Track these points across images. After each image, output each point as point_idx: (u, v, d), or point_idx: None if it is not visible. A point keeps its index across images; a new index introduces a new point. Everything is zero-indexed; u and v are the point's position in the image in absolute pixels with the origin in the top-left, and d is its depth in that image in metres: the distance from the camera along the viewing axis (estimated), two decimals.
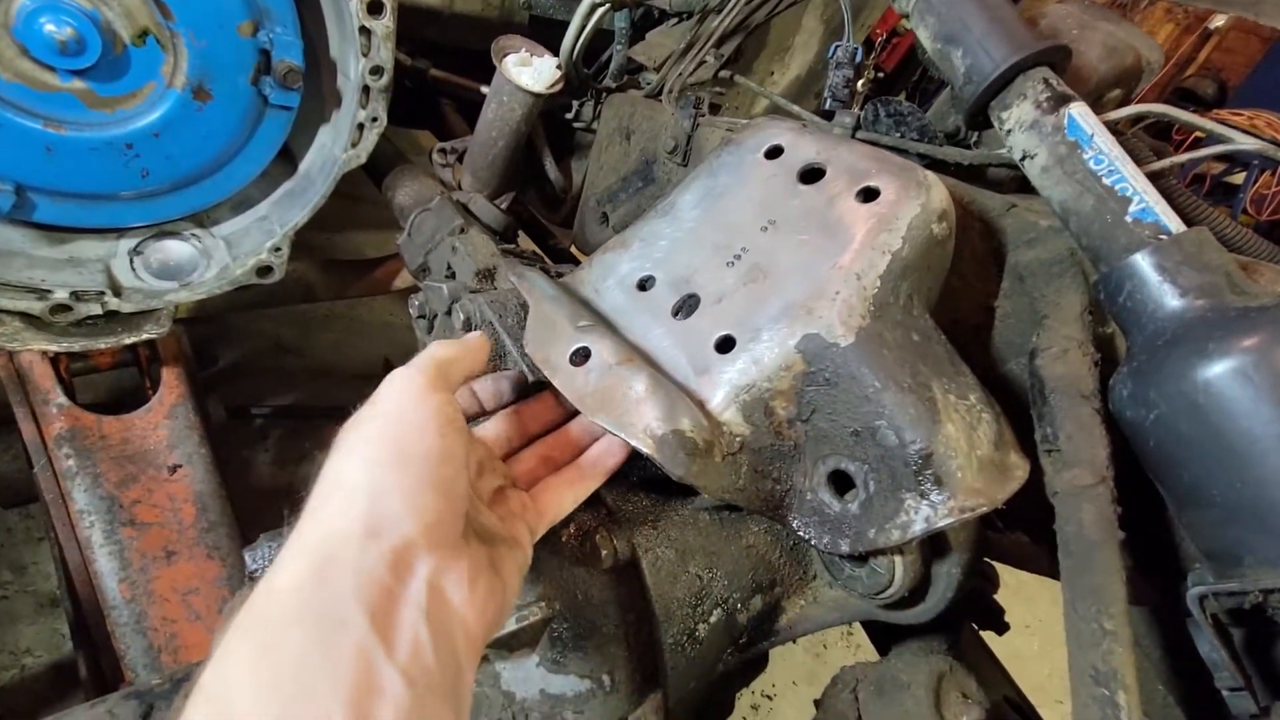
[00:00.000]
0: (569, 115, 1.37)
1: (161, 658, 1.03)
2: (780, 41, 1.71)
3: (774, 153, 0.66)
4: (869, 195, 0.58)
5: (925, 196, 0.56)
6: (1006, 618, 0.82)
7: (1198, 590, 0.46)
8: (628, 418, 0.51)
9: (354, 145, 1.09)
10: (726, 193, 0.66)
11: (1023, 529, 0.69)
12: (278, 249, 1.13)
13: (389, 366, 1.87)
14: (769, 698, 1.79)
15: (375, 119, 1.07)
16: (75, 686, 1.16)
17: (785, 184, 0.63)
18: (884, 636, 0.80)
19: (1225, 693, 0.46)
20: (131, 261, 1.08)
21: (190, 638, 1.05)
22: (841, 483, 0.55)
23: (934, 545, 0.54)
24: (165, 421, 1.10)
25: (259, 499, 1.89)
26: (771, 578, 0.62)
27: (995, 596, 0.77)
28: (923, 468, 0.49)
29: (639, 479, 0.60)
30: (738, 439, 0.55)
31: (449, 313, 0.77)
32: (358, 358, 2.38)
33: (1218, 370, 0.46)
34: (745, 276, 0.60)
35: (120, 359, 1.15)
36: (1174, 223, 0.52)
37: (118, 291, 1.04)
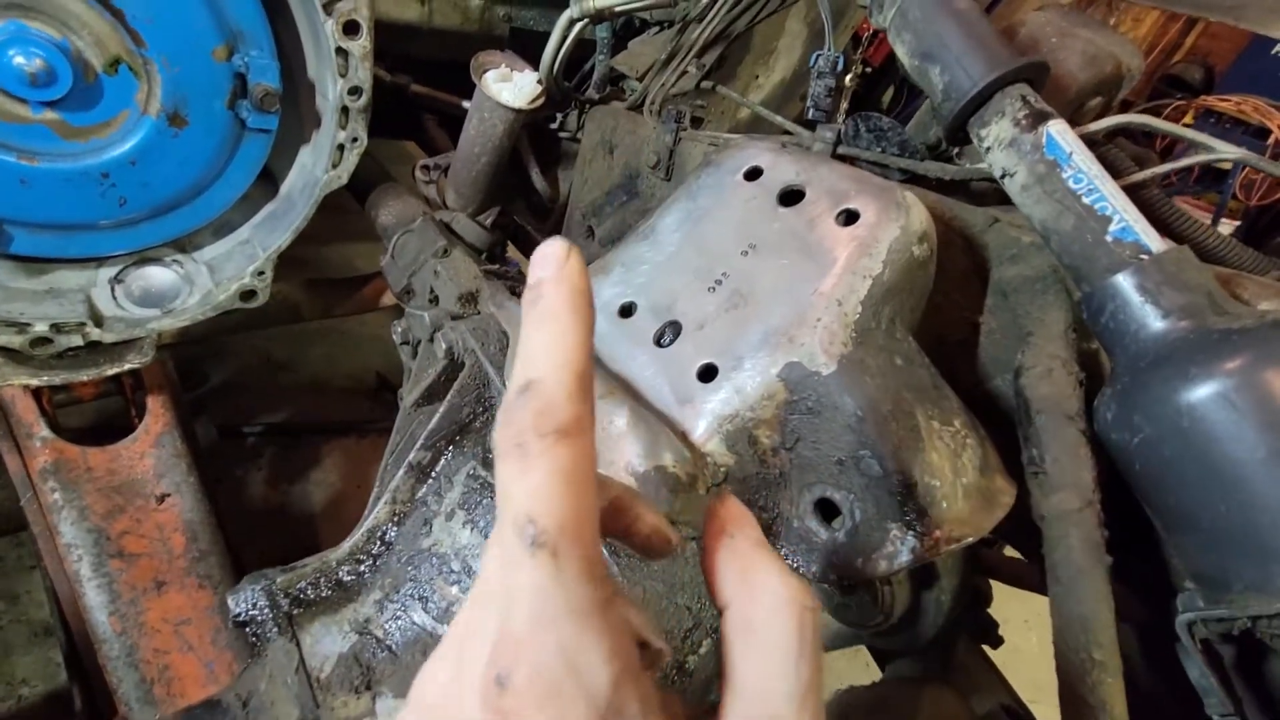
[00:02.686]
0: (554, 125, 1.36)
1: (154, 690, 1.02)
2: (764, 45, 1.70)
3: (753, 174, 0.65)
4: (849, 218, 0.57)
5: (905, 218, 0.56)
6: (1004, 613, 0.81)
7: (1186, 617, 0.46)
8: (609, 455, 0.51)
9: (335, 166, 1.08)
10: (707, 216, 0.65)
11: (1014, 544, 0.69)
12: (261, 272, 1.12)
13: (381, 380, 1.85)
14: None
15: (355, 139, 1.06)
16: (72, 717, 1.15)
17: (765, 206, 0.62)
18: (883, 649, 0.80)
19: (1216, 718, 0.45)
20: (113, 290, 1.07)
21: (183, 669, 1.04)
22: (828, 510, 0.55)
23: (923, 573, 0.53)
24: (152, 450, 1.09)
25: (254, 518, 1.88)
26: None
27: (992, 590, 0.77)
28: (907, 497, 0.48)
29: None
30: (722, 469, 0.55)
31: (431, 340, 0.77)
32: (349, 371, 2.37)
33: (1200, 394, 0.45)
34: (727, 302, 0.59)
35: (104, 389, 1.14)
36: (1154, 242, 0.52)
37: (99, 321, 1.02)
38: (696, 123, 1.04)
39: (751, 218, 0.62)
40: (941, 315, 0.66)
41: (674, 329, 0.60)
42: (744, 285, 0.59)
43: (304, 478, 2.03)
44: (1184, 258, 0.50)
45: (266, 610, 0.57)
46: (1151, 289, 0.50)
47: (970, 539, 0.48)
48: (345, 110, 1.05)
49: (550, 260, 0.28)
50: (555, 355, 0.26)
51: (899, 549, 0.49)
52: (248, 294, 1.12)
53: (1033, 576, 0.67)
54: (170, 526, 1.08)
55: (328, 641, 0.57)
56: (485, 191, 1.24)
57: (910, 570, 0.53)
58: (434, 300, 0.90)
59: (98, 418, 1.18)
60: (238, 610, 0.58)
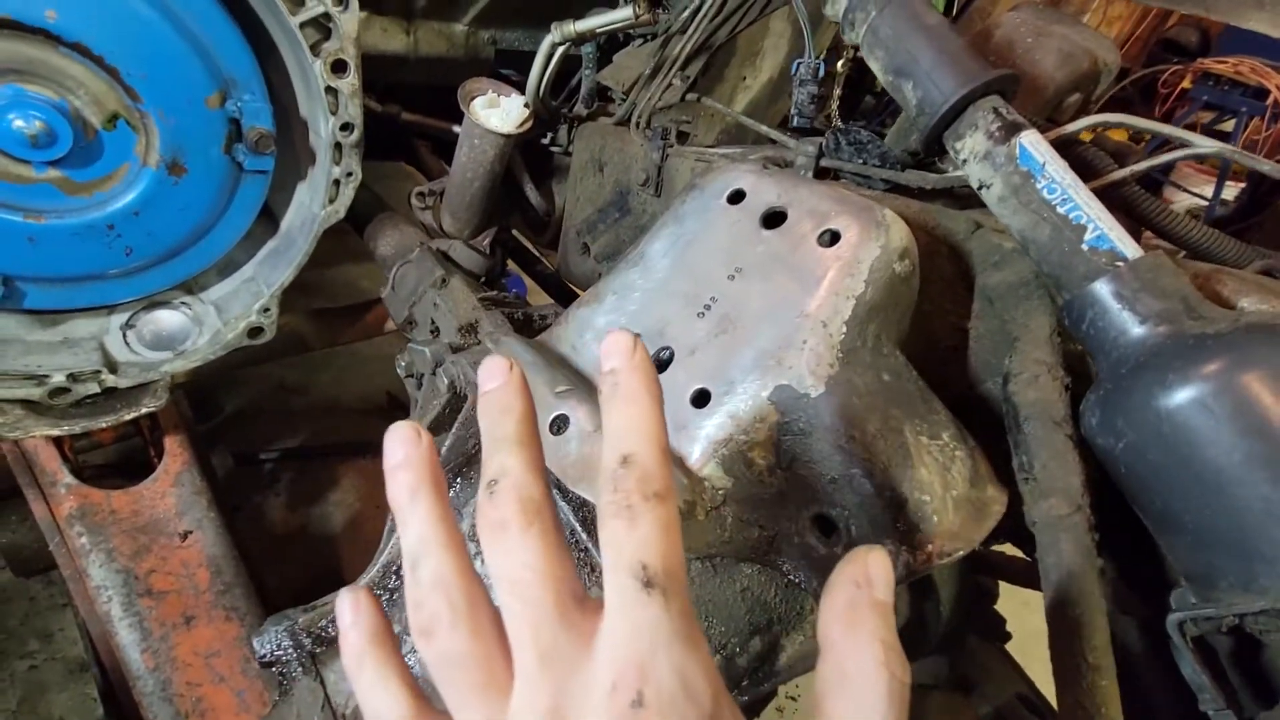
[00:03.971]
0: (545, 141, 1.37)
1: None
2: (749, 48, 1.70)
3: (736, 197, 0.67)
4: (832, 238, 0.59)
5: (885, 237, 0.57)
6: (1024, 595, 0.82)
7: (1176, 616, 0.47)
8: None
9: (332, 201, 1.10)
10: (694, 241, 0.67)
11: (1015, 543, 0.70)
12: (266, 309, 1.14)
13: (391, 399, 1.88)
14: (793, 699, 1.81)
15: (350, 174, 1.08)
16: None
17: (749, 229, 0.64)
18: None
19: (1211, 714, 0.47)
20: (125, 336, 1.09)
21: (215, 700, 1.07)
22: (827, 526, 0.56)
23: (919, 584, 0.55)
24: (172, 489, 1.12)
25: (274, 543, 1.91)
26: (768, 617, 0.63)
27: (998, 587, 0.78)
28: (898, 514, 0.50)
29: None
30: (720, 492, 0.56)
31: (434, 374, 0.79)
32: (360, 393, 2.40)
33: (1179, 400, 0.46)
34: (716, 327, 0.61)
35: (123, 432, 1.17)
36: (1129, 248, 0.53)
37: (113, 368, 1.05)
38: (683, 138, 1.05)
39: (736, 241, 0.64)
40: (931, 322, 0.68)
41: (666, 355, 0.62)
42: (732, 309, 0.61)
43: (322, 500, 2.06)
44: (1159, 264, 0.51)
45: (290, 650, 0.59)
46: (1128, 295, 0.51)
47: (962, 552, 0.49)
48: (338, 146, 1.07)
49: (621, 351, 0.34)
50: (643, 432, 0.32)
51: (894, 565, 0.50)
52: (255, 330, 1.15)
53: (1035, 575, 0.69)
54: (195, 562, 1.12)
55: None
56: (481, 214, 1.26)
57: (909, 584, 0.54)
58: (435, 331, 0.92)
59: (119, 457, 1.21)
60: (263, 652, 0.60)
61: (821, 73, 0.98)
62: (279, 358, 1.44)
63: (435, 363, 0.76)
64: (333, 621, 0.63)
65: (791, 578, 0.58)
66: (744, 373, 0.57)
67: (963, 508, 0.51)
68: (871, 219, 0.58)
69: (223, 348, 1.13)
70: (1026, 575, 0.76)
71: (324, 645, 0.61)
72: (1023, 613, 0.93)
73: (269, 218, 1.18)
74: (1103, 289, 0.52)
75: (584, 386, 0.62)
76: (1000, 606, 0.91)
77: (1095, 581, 0.48)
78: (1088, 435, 0.53)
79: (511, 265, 1.54)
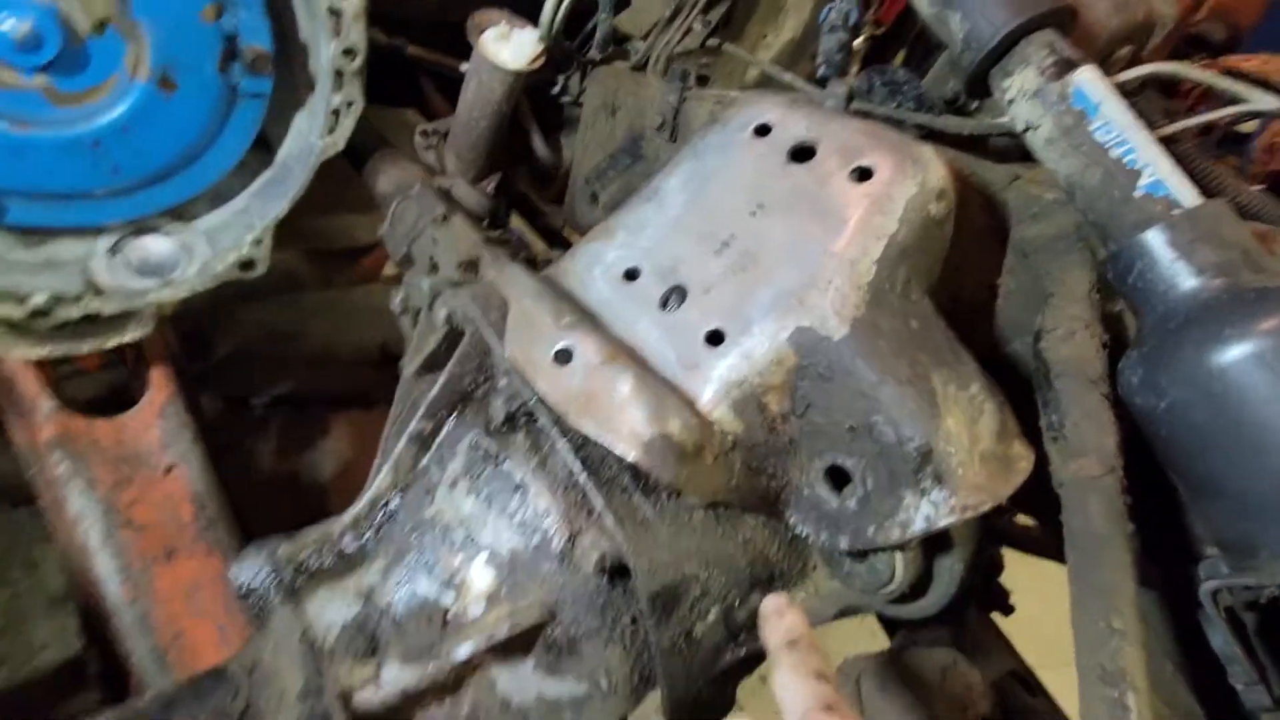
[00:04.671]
0: (555, 90, 1.31)
1: (169, 655, 1.04)
2: (772, 2, 1.63)
3: (762, 130, 0.62)
4: (863, 175, 0.55)
5: (922, 174, 0.53)
6: (1014, 577, 0.80)
7: (1211, 584, 0.44)
8: (613, 422, 0.49)
9: (331, 131, 1.05)
10: (714, 175, 0.63)
11: (1029, 512, 0.67)
12: (259, 241, 1.10)
13: (385, 352, 1.83)
14: None
15: (351, 103, 1.03)
16: (88, 683, 1.17)
17: (774, 164, 0.60)
18: (891, 624, 0.79)
19: (1240, 687, 0.44)
20: (110, 261, 1.05)
21: (195, 634, 1.05)
22: (839, 478, 0.53)
23: (935, 540, 0.52)
24: (156, 422, 1.09)
25: (262, 487, 1.89)
26: (770, 572, 0.60)
27: (999, 577, 0.76)
28: (922, 465, 0.47)
29: (630, 479, 0.58)
30: (730, 436, 0.53)
31: (431, 308, 0.75)
32: (354, 343, 2.36)
33: (1234, 355, 0.43)
34: (735, 265, 0.57)
35: (107, 359, 1.13)
36: (1188, 196, 0.49)
37: (98, 292, 1.01)
38: (702, 81, 1.00)
39: (760, 176, 0.60)
40: (958, 276, 0.64)
41: (680, 293, 0.59)
42: (752, 247, 0.57)
43: (312, 448, 2.03)
44: (1220, 212, 0.48)
45: (269, 580, 0.57)
46: (1184, 246, 0.47)
47: (987, 506, 0.46)
48: (339, 73, 1.01)
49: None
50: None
51: (912, 517, 0.47)
52: (246, 264, 1.10)
53: (1047, 543, 0.66)
54: (178, 496, 1.09)
55: (332, 610, 0.57)
56: (486, 157, 1.21)
57: (923, 538, 0.51)
58: (434, 268, 0.88)
59: (105, 389, 1.17)
60: (240, 581, 0.58)
61: (854, 18, 0.93)
62: (271, 296, 1.40)
63: (433, 295, 0.72)
64: (314, 553, 0.60)
65: (797, 531, 0.55)
66: (762, 313, 0.53)
67: (989, 462, 0.48)
68: (908, 155, 0.54)
69: (212, 279, 1.09)
70: (1035, 543, 0.73)
71: (305, 576, 0.58)
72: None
73: (264, 147, 1.13)
74: (1155, 238, 0.48)
75: (590, 320, 0.58)
76: None
77: (1125, 546, 0.45)
78: (1125, 395, 0.50)
79: (515, 220, 1.49)
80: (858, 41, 1.03)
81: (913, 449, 0.47)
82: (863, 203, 0.53)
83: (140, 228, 1.07)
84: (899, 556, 0.52)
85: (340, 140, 1.06)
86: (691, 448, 0.49)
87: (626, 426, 0.49)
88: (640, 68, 1.07)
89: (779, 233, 0.56)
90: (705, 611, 0.57)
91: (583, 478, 0.56)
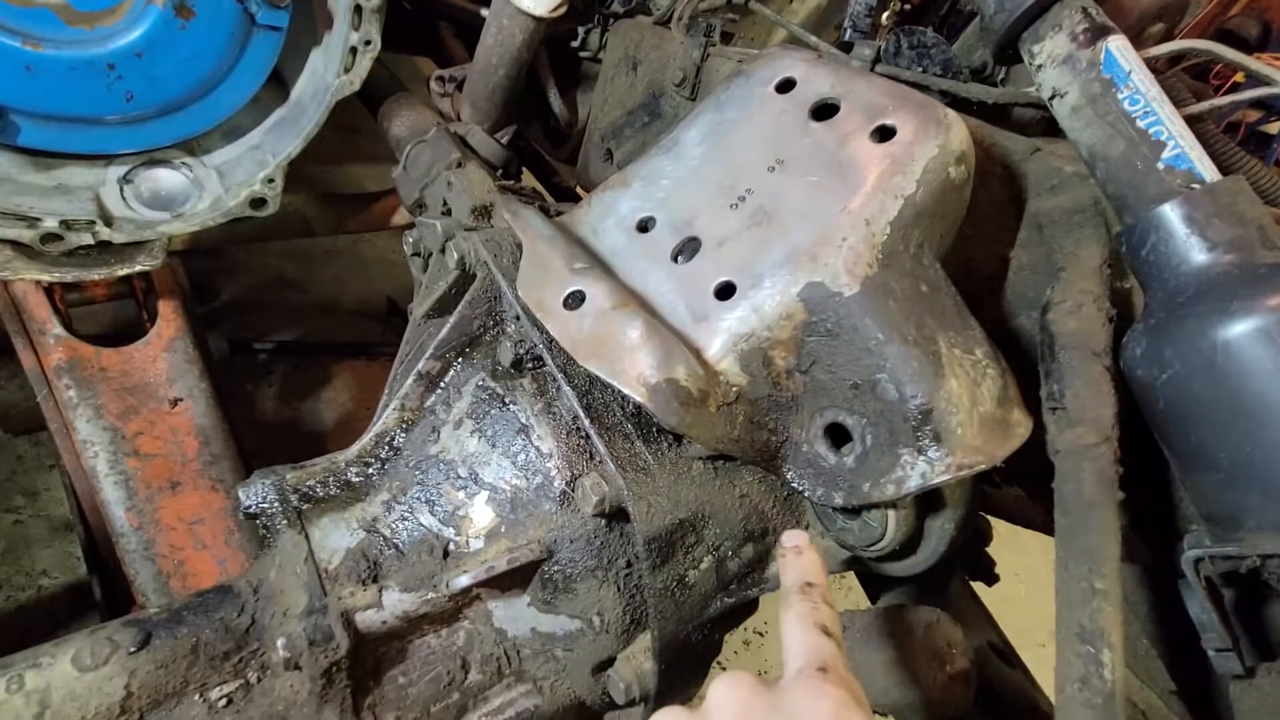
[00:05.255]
0: (575, 44, 1.29)
1: (171, 583, 1.06)
2: None
3: (785, 86, 0.62)
4: (884, 134, 0.55)
5: (944, 137, 0.53)
6: (997, 565, 0.82)
7: (1194, 553, 0.45)
8: (621, 364, 0.50)
9: (347, 70, 1.04)
10: (734, 129, 0.62)
11: (1020, 484, 0.68)
12: (271, 180, 1.09)
13: (391, 305, 1.84)
14: (760, 634, 1.85)
15: (369, 42, 1.01)
16: (91, 608, 1.20)
17: (796, 120, 0.59)
18: (875, 582, 0.81)
19: (1212, 653, 0.46)
20: (122, 190, 1.05)
21: (197, 565, 1.07)
22: (838, 436, 0.54)
23: (928, 500, 0.53)
24: (164, 355, 1.10)
25: (264, 432, 1.91)
26: (764, 526, 0.62)
27: (987, 547, 0.78)
28: (922, 423, 0.48)
29: (633, 426, 0.59)
30: (734, 389, 0.54)
31: (443, 251, 0.75)
32: (360, 294, 2.36)
33: (1240, 329, 0.44)
34: (750, 219, 0.57)
35: (116, 290, 1.13)
36: (1209, 171, 0.49)
37: (109, 221, 1.01)
38: (727, 39, 0.98)
39: (781, 132, 0.59)
40: (971, 247, 0.64)
41: (693, 246, 0.59)
42: (769, 202, 0.57)
43: (314, 396, 2.05)
44: (1238, 189, 0.48)
45: (276, 503, 0.58)
46: (1200, 220, 0.47)
47: (982, 466, 0.47)
48: (358, 10, 1.00)
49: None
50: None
51: (908, 474, 0.48)
52: (258, 201, 1.10)
53: (1036, 515, 0.67)
54: (183, 430, 1.10)
55: (336, 536, 0.58)
56: (502, 107, 1.19)
57: (916, 497, 0.52)
58: (447, 213, 0.88)
59: (113, 324, 1.18)
60: (248, 502, 0.59)
61: None
62: (281, 238, 1.39)
63: (446, 237, 0.72)
64: (320, 481, 0.61)
65: (795, 485, 0.56)
66: (774, 267, 0.54)
67: (988, 425, 0.49)
68: (932, 116, 0.54)
69: (223, 215, 1.09)
70: (1024, 513, 0.75)
71: (310, 503, 0.59)
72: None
73: (279, 84, 1.12)
74: (1173, 212, 0.48)
75: (602, 267, 0.59)
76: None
77: (1114, 513, 0.46)
78: (1127, 368, 0.51)
79: (526, 178, 1.48)
80: (885, 16, 1.01)
81: (914, 407, 0.48)
82: (882, 162, 0.53)
83: (152, 159, 1.07)
84: (892, 514, 0.53)
85: (356, 80, 1.04)
86: (696, 395, 0.50)
87: (634, 370, 0.49)
88: (664, 23, 1.05)
89: (796, 189, 0.56)
90: (699, 559, 0.58)
91: (586, 422, 0.57)
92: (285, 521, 0.57)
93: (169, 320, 1.11)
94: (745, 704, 0.37)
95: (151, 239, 1.04)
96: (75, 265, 0.99)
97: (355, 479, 0.63)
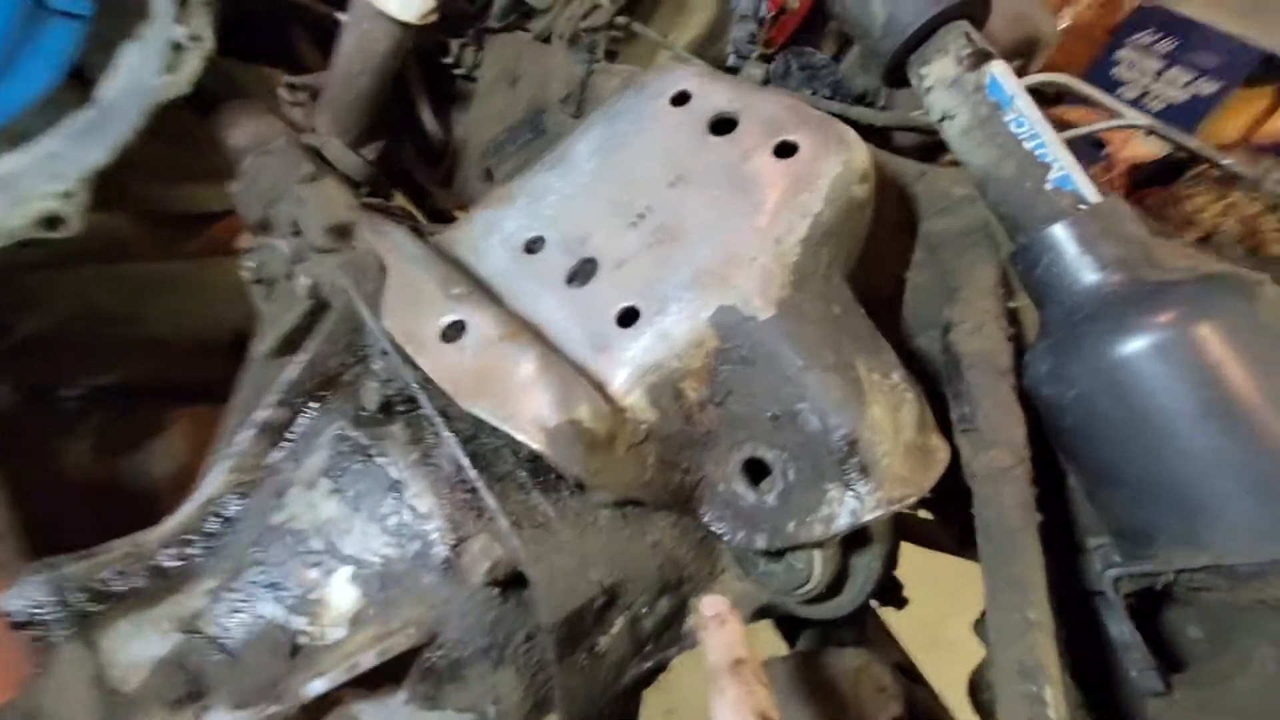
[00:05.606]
0: (448, 60, 1.20)
1: None
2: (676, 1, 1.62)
3: (680, 99, 0.58)
4: (786, 150, 0.52)
5: (847, 154, 0.51)
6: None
7: (1114, 572, 0.45)
8: (512, 406, 0.43)
9: (170, 71, 0.89)
10: (627, 142, 0.57)
11: (929, 507, 0.68)
12: (70, 195, 0.90)
13: (239, 337, 1.60)
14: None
15: (197, 38, 0.87)
16: None
17: (694, 134, 0.55)
18: (790, 624, 0.78)
19: (1135, 673, 0.45)
20: None
21: None
22: (757, 472, 0.50)
23: (852, 537, 0.50)
24: None
25: (73, 496, 1.59)
26: (679, 575, 0.56)
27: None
28: (848, 455, 0.44)
29: (528, 474, 0.51)
30: (643, 426, 0.48)
31: (290, 277, 0.64)
32: (201, 328, 2.07)
33: (1134, 347, 0.44)
34: (650, 238, 0.52)
35: None
36: (1091, 192, 0.50)
37: None
38: (611, 56, 0.95)
39: (678, 146, 0.55)
40: (869, 269, 0.63)
41: (588, 268, 0.53)
42: (670, 220, 0.52)
43: (141, 449, 1.74)
44: (1119, 209, 0.49)
45: (50, 608, 0.44)
46: (1089, 240, 0.48)
47: (913, 499, 0.45)
48: (183, 1, 0.86)
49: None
50: None
51: (837, 511, 0.45)
52: (53, 220, 0.90)
53: (947, 539, 0.67)
54: None
55: (139, 645, 0.45)
56: (366, 120, 1.08)
57: (843, 535, 0.49)
58: (296, 233, 0.75)
59: None
60: (13, 607, 0.45)
61: (764, 10, 0.91)
62: (89, 263, 1.17)
63: (294, 261, 0.61)
64: (119, 572, 0.47)
65: (713, 528, 0.51)
66: (680, 290, 0.49)
67: (912, 453, 0.46)
68: (833, 133, 0.52)
69: (6, 236, 0.89)
70: (933, 538, 0.74)
71: (103, 602, 0.46)
72: None
73: (84, 84, 0.94)
74: (1062, 232, 0.49)
75: (485, 292, 0.51)
76: None
77: (1035, 537, 0.45)
78: (1032, 385, 0.51)
79: (399, 201, 1.36)
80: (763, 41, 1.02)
81: (839, 438, 0.44)
82: (787, 179, 0.50)
83: None
84: (817, 555, 0.49)
85: (183, 81, 0.89)
86: (603, 437, 0.43)
87: (529, 411, 0.42)
88: (544, 39, 0.99)
89: (699, 206, 0.52)
90: (611, 622, 0.51)
91: (473, 473, 0.49)
92: (62, 632, 0.43)
93: None
94: None
95: None
96: None
97: (170, 564, 0.49)
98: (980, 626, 0.70)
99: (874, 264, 0.63)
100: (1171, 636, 0.49)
